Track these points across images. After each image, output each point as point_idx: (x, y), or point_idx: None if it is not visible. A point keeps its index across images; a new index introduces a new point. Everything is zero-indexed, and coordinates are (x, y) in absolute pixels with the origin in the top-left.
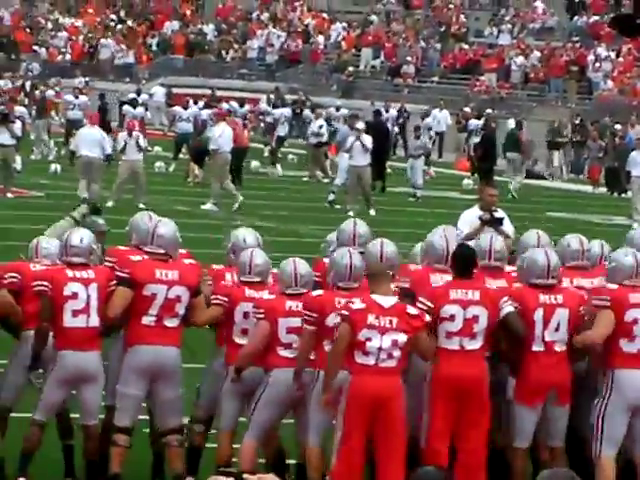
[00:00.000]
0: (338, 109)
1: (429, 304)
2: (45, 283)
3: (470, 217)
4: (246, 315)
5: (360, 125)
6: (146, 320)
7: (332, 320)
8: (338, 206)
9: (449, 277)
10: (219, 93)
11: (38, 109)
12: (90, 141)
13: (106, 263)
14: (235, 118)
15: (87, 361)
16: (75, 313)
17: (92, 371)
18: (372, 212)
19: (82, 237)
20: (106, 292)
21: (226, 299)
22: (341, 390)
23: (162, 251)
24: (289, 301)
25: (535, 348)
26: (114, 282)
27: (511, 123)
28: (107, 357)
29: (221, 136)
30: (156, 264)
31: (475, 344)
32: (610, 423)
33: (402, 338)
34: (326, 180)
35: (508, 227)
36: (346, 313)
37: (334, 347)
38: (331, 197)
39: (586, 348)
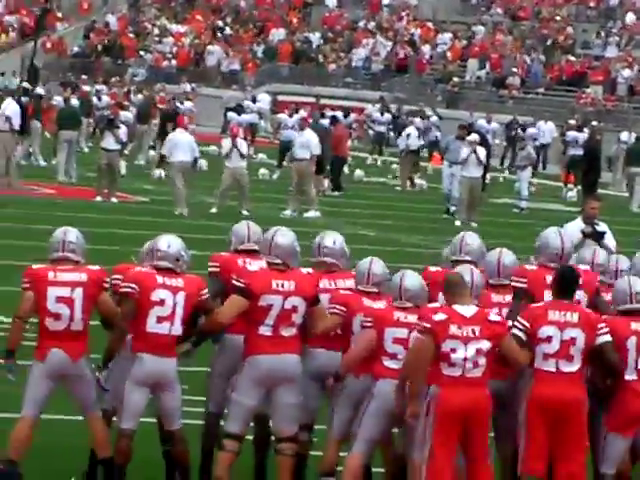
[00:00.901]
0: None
1: (526, 324)
2: (133, 285)
3: (572, 230)
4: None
5: (475, 137)
6: (263, 330)
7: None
8: (444, 215)
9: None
10: (323, 101)
11: (142, 115)
12: (184, 145)
13: (210, 269)
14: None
15: (166, 366)
16: (159, 319)
17: (170, 376)
18: (474, 224)
19: (170, 242)
20: (194, 301)
21: (344, 309)
22: (428, 404)
23: (279, 261)
24: (397, 312)
25: (628, 377)
26: (205, 291)
27: (624, 136)
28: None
29: (304, 144)
30: (273, 274)
31: (572, 366)
32: None
33: (486, 345)
34: (414, 189)
35: (610, 241)
36: (427, 325)
37: (416, 360)
38: (453, 208)
39: None
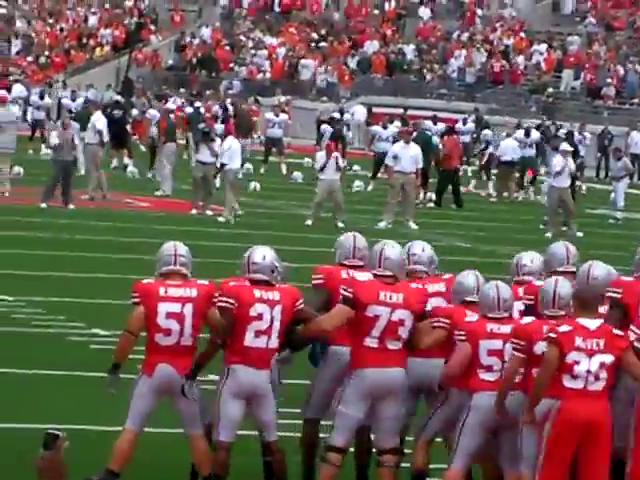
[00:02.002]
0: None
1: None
2: (231, 300)
3: None
4: None
5: (567, 147)
6: (368, 342)
7: (540, 348)
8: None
9: None
10: (419, 113)
11: (243, 127)
12: (238, 153)
13: (315, 281)
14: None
15: (260, 378)
16: (257, 334)
17: (265, 388)
18: (579, 234)
19: (264, 254)
20: (291, 313)
21: (448, 321)
22: (546, 416)
23: (389, 273)
24: (490, 323)
25: None
26: (301, 302)
27: None
28: None
29: (398, 155)
30: (381, 286)
31: None
32: None
33: (609, 359)
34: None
35: None
36: (554, 336)
37: (542, 370)
38: (546, 218)
39: None
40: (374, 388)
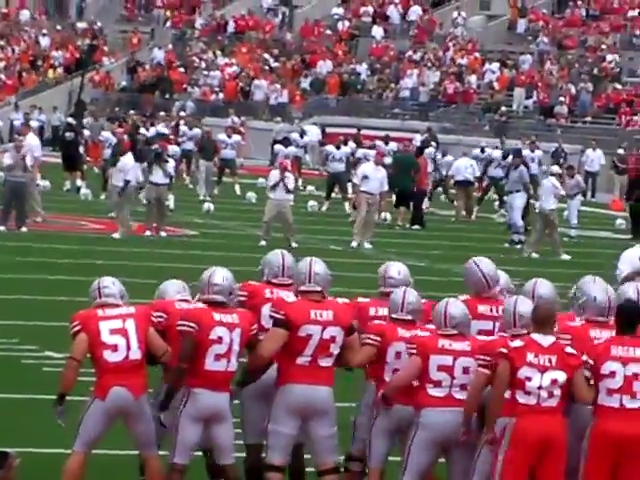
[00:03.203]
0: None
1: (590, 361)
2: (192, 324)
3: (631, 257)
4: (398, 355)
5: (556, 169)
6: (300, 360)
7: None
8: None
9: (608, 332)
10: (372, 133)
11: (206, 150)
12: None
13: (239, 297)
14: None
15: (219, 401)
16: (217, 357)
17: (223, 411)
18: (566, 257)
19: (224, 276)
20: (248, 336)
21: (379, 339)
22: (501, 434)
23: (319, 289)
24: (442, 339)
25: None
26: (255, 327)
27: None
28: None
29: (367, 176)
30: (311, 305)
31: (636, 403)
32: None
33: (562, 377)
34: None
35: None
36: (505, 351)
37: (495, 386)
38: (515, 237)
39: None
40: (303, 405)
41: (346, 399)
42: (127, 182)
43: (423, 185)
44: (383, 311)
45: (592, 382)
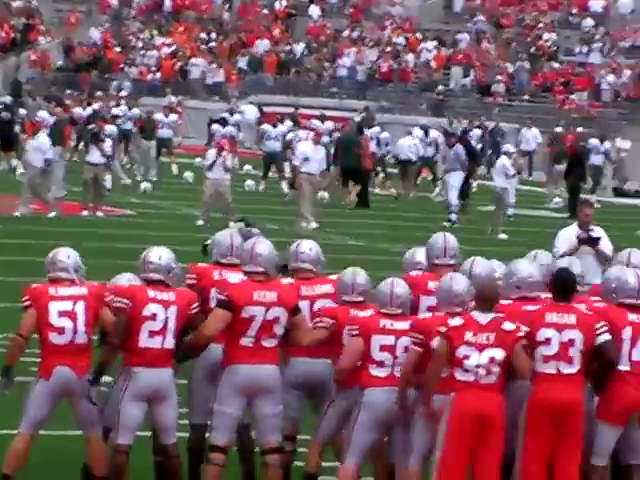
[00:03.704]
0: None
1: (525, 328)
2: (125, 300)
3: (568, 235)
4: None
5: (511, 148)
6: (244, 341)
7: (437, 343)
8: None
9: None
10: (310, 112)
11: (147, 130)
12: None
13: (187, 280)
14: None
15: (161, 378)
16: (152, 334)
17: (165, 387)
18: (503, 236)
19: (161, 254)
20: (186, 315)
21: (332, 321)
22: (441, 410)
23: (261, 269)
24: (383, 319)
25: (621, 367)
26: (196, 305)
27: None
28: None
29: (308, 157)
30: (254, 286)
31: (572, 368)
32: None
33: (500, 354)
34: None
35: (606, 246)
36: (444, 330)
37: (432, 363)
38: (453, 217)
39: None
40: (248, 384)
41: None
42: (48, 161)
43: (367, 165)
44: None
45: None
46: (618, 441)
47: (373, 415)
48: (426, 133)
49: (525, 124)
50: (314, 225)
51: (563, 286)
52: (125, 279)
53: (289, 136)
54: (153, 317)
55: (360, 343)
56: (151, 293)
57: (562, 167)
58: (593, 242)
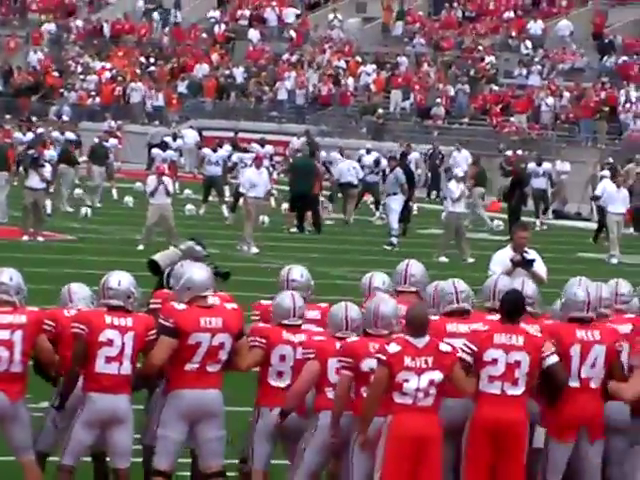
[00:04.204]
0: (369, 152)
1: (473, 347)
2: (82, 326)
3: (502, 258)
4: (282, 358)
5: (461, 172)
6: (189, 367)
7: (367, 365)
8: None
9: (464, 326)
10: (250, 136)
11: (98, 155)
12: None
13: (152, 305)
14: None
15: (117, 404)
16: (108, 360)
17: (122, 413)
18: (443, 259)
19: (120, 279)
20: (143, 341)
21: (264, 341)
22: (379, 433)
23: (204, 294)
24: (339, 343)
25: (571, 384)
26: (154, 332)
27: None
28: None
29: (253, 182)
30: (200, 312)
31: (517, 390)
32: None
33: (438, 376)
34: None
35: (541, 268)
36: (383, 357)
37: (372, 390)
38: (394, 240)
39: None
40: (193, 409)
41: (246, 404)
42: None
43: (317, 189)
44: None
45: (473, 369)
46: (572, 459)
47: (326, 438)
48: (377, 163)
49: (464, 146)
50: (255, 250)
51: (511, 308)
52: (84, 292)
53: (234, 158)
54: (109, 343)
55: (316, 366)
56: (108, 319)
57: (481, 189)
58: (527, 264)
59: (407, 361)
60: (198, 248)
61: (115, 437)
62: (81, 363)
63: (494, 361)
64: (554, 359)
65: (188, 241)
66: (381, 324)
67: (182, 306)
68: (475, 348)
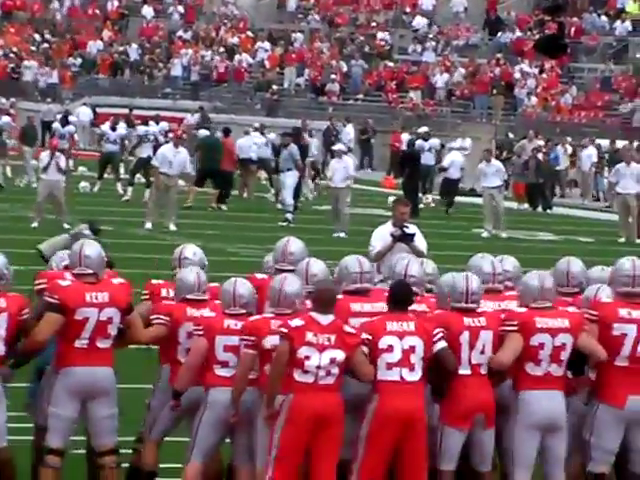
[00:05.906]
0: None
1: (367, 336)
2: None
3: (382, 233)
4: (190, 335)
5: (341, 147)
6: (78, 343)
7: (269, 342)
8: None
9: (368, 305)
10: (144, 113)
11: (28, 135)
12: None
13: (37, 286)
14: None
15: None
16: None
17: None
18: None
19: None
20: (17, 321)
21: (168, 318)
22: (279, 409)
23: (90, 271)
24: (227, 319)
25: (462, 371)
26: (27, 310)
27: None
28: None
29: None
30: (86, 287)
31: (414, 375)
32: (519, 445)
33: (340, 355)
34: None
35: (421, 243)
36: (285, 330)
37: (274, 364)
38: (290, 216)
39: (502, 370)
40: (83, 387)
41: (142, 381)
42: None
43: (231, 167)
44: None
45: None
46: (466, 446)
47: (217, 415)
48: (262, 133)
49: (360, 123)
50: (148, 225)
51: (399, 297)
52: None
53: (139, 132)
54: None
55: (204, 343)
56: None
57: None
58: (407, 238)
59: (309, 336)
60: (87, 232)
61: None
62: None
63: (390, 347)
64: (442, 344)
65: (82, 224)
66: (284, 303)
67: (67, 282)
68: (369, 337)
